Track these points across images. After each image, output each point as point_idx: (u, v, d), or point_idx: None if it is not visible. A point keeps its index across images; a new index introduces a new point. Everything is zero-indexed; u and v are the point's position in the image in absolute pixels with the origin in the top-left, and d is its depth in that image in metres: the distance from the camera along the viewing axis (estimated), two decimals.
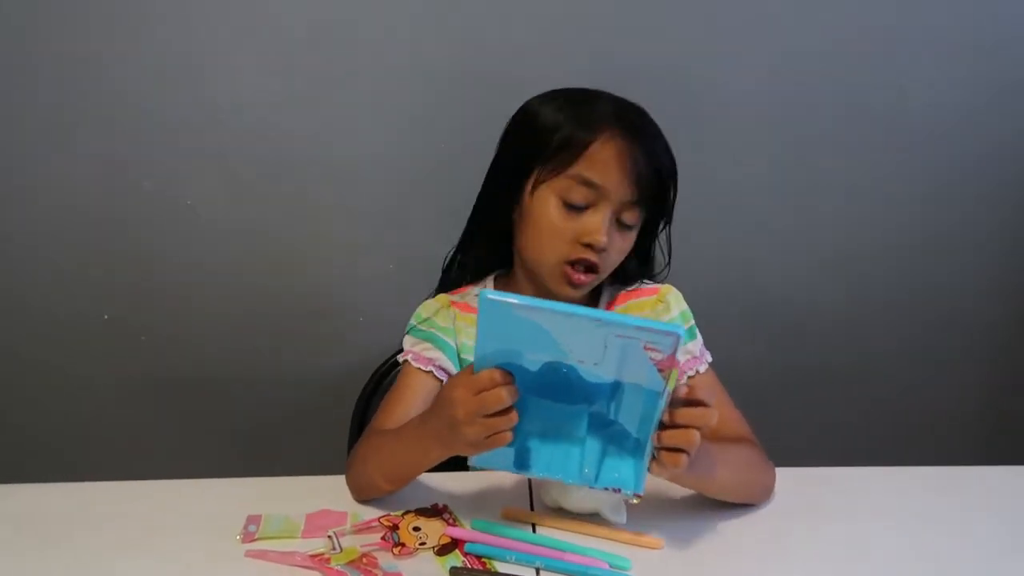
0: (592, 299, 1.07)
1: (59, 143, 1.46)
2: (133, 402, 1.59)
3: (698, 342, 1.03)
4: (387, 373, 1.29)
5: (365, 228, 1.54)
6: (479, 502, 0.95)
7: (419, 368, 1.03)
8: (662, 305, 1.03)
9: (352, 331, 1.58)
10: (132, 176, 1.49)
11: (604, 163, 0.91)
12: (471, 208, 1.07)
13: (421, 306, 1.09)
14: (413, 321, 1.08)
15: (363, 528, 0.91)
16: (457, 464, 1.22)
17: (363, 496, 0.96)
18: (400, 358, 1.07)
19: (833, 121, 1.50)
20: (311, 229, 1.54)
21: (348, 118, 1.46)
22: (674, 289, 1.06)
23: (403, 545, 0.87)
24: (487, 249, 1.06)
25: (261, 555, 0.88)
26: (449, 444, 0.83)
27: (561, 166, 0.93)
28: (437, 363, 1.03)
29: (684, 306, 1.04)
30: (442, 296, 1.08)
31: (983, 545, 0.90)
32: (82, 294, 1.56)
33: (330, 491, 0.98)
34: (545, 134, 0.94)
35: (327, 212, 1.53)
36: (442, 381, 1.03)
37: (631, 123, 0.93)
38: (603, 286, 1.06)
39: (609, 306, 1.06)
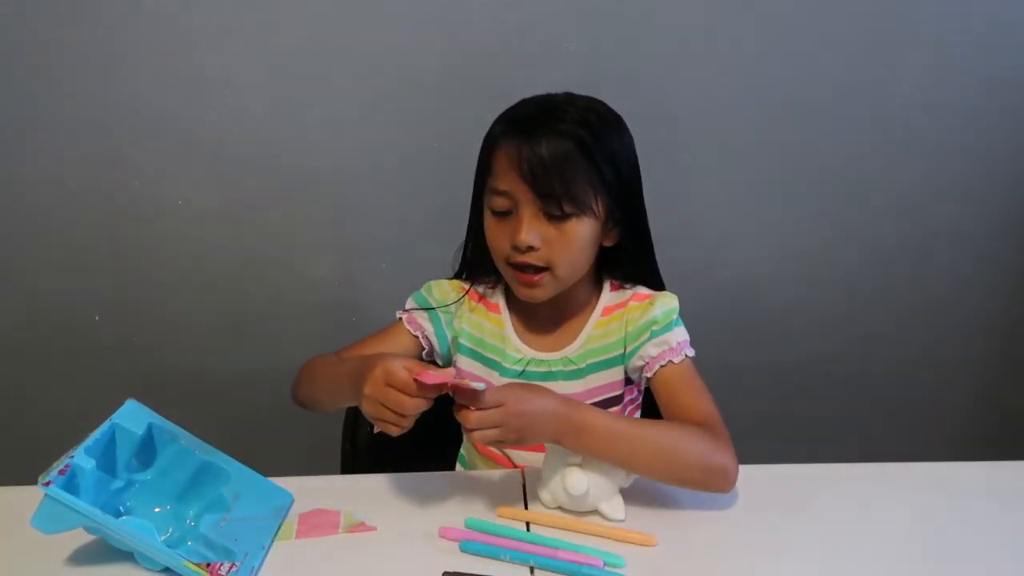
0: (590, 303, 1.10)
1: (48, 143, 1.45)
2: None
3: (676, 336, 1.05)
4: None
5: (357, 228, 1.54)
6: (473, 501, 0.96)
7: (408, 329, 1.12)
8: (651, 308, 1.06)
9: (345, 331, 1.57)
10: (123, 176, 1.48)
11: (504, 171, 0.99)
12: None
13: (437, 283, 1.14)
14: (423, 291, 1.14)
15: (356, 528, 0.92)
16: (450, 463, 1.23)
17: (295, 392, 1.08)
18: (398, 313, 1.13)
19: (823, 121, 1.50)
20: (303, 229, 1.54)
21: (340, 118, 1.46)
22: (669, 295, 1.08)
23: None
24: (482, 250, 1.09)
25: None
26: (355, 401, 0.90)
27: (484, 183, 1.03)
28: (426, 333, 1.12)
29: (669, 307, 1.06)
30: (457, 283, 1.13)
31: (979, 541, 0.90)
32: (73, 295, 1.56)
33: (324, 491, 0.98)
34: (480, 155, 1.04)
35: (319, 212, 1.53)
36: (424, 349, 1.12)
37: (522, 124, 0.99)
38: (602, 294, 1.11)
39: (604, 312, 1.09)
